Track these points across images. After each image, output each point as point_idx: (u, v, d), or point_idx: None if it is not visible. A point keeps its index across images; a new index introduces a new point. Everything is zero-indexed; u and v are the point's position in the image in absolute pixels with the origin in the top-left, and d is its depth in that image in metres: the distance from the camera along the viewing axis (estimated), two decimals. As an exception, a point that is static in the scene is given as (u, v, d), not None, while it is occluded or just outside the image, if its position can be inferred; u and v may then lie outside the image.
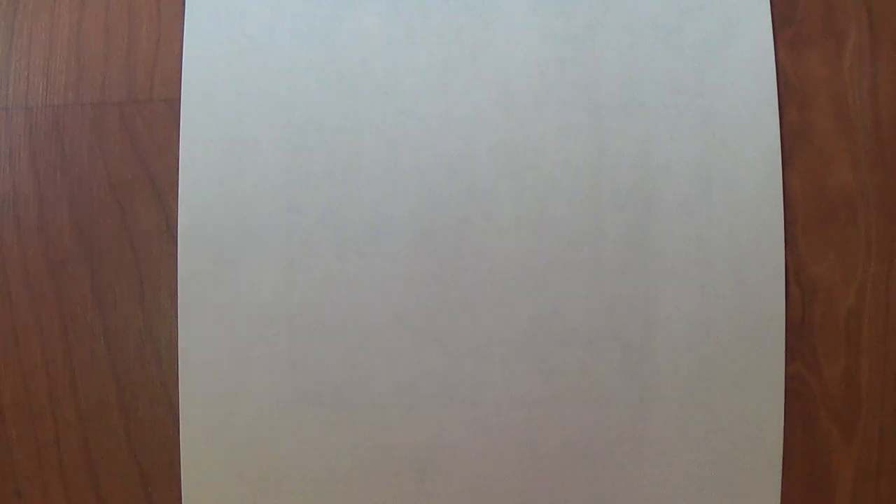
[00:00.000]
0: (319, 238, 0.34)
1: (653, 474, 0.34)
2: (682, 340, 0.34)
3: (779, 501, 0.34)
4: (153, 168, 0.35)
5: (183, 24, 0.35)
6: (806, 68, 0.35)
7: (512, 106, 0.35)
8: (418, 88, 0.35)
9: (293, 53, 0.35)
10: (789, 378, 0.34)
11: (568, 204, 0.34)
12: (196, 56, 0.35)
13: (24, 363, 0.34)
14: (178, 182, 0.34)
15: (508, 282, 0.34)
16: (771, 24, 0.35)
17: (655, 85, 0.35)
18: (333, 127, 0.34)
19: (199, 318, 0.33)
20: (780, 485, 0.34)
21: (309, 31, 0.35)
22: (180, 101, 0.34)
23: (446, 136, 0.34)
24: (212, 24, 0.35)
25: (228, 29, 0.35)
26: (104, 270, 0.35)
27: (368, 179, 0.34)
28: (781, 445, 0.34)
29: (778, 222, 0.34)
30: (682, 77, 0.35)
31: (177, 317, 0.34)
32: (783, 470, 0.34)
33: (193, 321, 0.33)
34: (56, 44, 0.35)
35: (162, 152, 0.35)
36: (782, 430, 0.34)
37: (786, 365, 0.34)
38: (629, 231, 0.34)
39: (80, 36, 0.35)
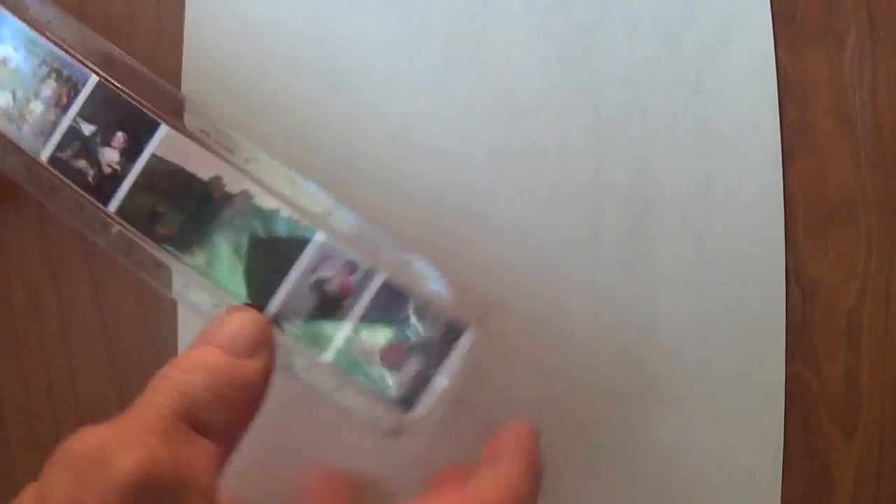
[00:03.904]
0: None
1: (652, 474, 0.34)
2: (681, 340, 0.34)
3: (779, 501, 0.34)
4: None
5: (183, 23, 0.35)
6: (806, 68, 0.35)
7: (512, 106, 0.35)
8: (418, 88, 0.35)
9: (293, 53, 0.35)
10: (789, 378, 0.34)
11: (568, 204, 0.34)
12: (196, 56, 0.35)
13: (24, 363, 0.34)
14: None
15: (507, 282, 0.34)
16: (771, 24, 0.35)
17: (655, 85, 0.35)
18: (333, 127, 0.34)
19: (199, 319, 0.33)
20: (780, 485, 0.34)
21: (309, 31, 0.35)
22: (180, 101, 0.34)
23: (446, 136, 0.34)
24: (212, 23, 0.35)
25: (229, 29, 0.35)
26: (104, 270, 0.34)
27: (368, 179, 0.34)
28: (781, 445, 0.34)
29: (778, 222, 0.34)
30: (682, 77, 0.35)
31: (177, 317, 0.34)
32: (783, 470, 0.34)
33: (193, 321, 0.33)
34: (56, 44, 0.35)
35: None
36: (782, 430, 0.34)
37: (786, 365, 0.34)
38: (629, 231, 0.34)
39: (80, 36, 0.35)
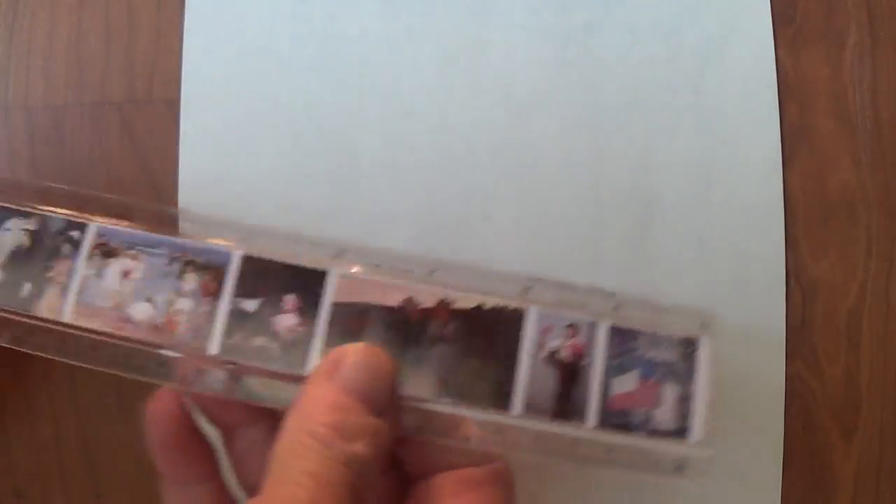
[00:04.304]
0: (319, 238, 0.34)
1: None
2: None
3: (779, 501, 0.34)
4: (153, 168, 0.35)
5: (183, 24, 0.35)
6: (806, 68, 0.35)
7: (512, 106, 0.35)
8: (418, 88, 0.35)
9: (293, 53, 0.35)
10: (789, 378, 0.34)
11: (568, 204, 0.34)
12: (196, 56, 0.35)
13: (24, 363, 0.34)
14: (177, 182, 0.34)
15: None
16: (771, 24, 0.35)
17: (655, 85, 0.35)
18: (333, 127, 0.34)
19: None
20: (780, 485, 0.34)
21: (309, 31, 0.35)
22: (180, 101, 0.34)
23: (446, 136, 0.34)
24: (212, 24, 0.35)
25: (228, 29, 0.35)
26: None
27: (368, 179, 0.34)
28: (781, 445, 0.34)
29: (778, 222, 0.34)
30: (682, 77, 0.35)
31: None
32: (783, 470, 0.34)
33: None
34: (56, 44, 0.35)
35: (162, 152, 0.35)
36: (782, 430, 0.34)
37: (786, 365, 0.34)
38: (629, 231, 0.34)
39: (80, 36, 0.35)
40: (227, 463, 0.28)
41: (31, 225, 0.28)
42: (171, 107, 0.35)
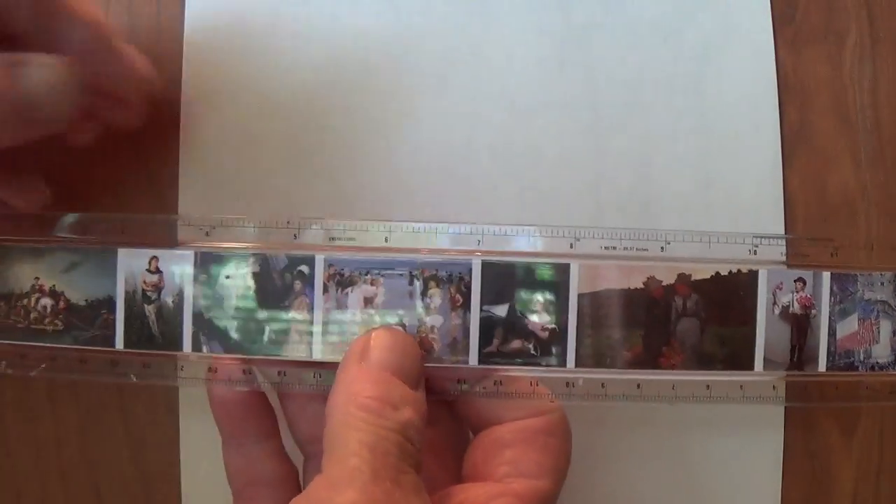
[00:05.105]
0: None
1: (653, 474, 0.34)
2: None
3: (779, 501, 0.34)
4: (153, 168, 0.35)
5: (183, 23, 0.35)
6: (806, 68, 0.35)
7: (512, 106, 0.35)
8: (418, 88, 0.35)
9: (293, 53, 0.35)
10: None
11: (568, 204, 0.34)
12: (196, 56, 0.35)
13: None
14: (178, 182, 0.34)
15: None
16: (771, 24, 0.35)
17: (655, 85, 0.35)
18: (333, 127, 0.34)
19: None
20: (780, 485, 0.34)
21: (309, 31, 0.35)
22: (180, 101, 0.34)
23: (446, 136, 0.34)
24: (212, 23, 0.35)
25: (228, 29, 0.35)
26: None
27: (368, 179, 0.34)
28: (781, 445, 0.34)
29: (778, 222, 0.34)
30: (682, 77, 0.35)
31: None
32: (783, 470, 0.34)
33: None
34: (56, 44, 0.35)
35: (162, 152, 0.34)
36: (782, 431, 0.34)
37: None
38: (629, 231, 0.34)
39: (80, 36, 0.35)
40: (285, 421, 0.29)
41: (254, 267, 0.28)
42: (171, 107, 0.35)
